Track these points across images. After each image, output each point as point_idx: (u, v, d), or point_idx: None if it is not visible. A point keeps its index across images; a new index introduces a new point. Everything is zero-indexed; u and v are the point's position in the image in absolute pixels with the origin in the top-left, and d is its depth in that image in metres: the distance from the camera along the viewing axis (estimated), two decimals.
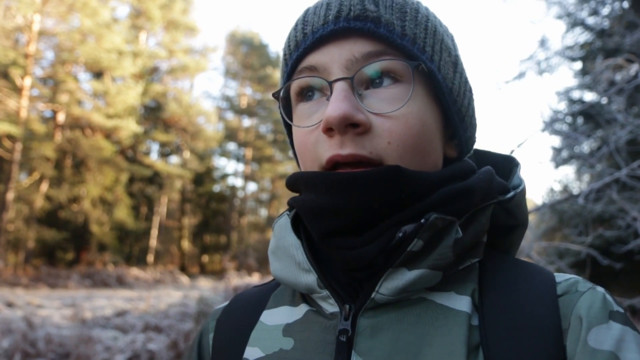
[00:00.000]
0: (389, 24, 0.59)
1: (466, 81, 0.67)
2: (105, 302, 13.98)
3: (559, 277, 0.59)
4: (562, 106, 10.52)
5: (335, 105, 0.55)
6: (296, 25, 0.64)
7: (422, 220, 0.54)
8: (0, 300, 12.68)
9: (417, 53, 0.59)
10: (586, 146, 9.55)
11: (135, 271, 23.56)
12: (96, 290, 18.35)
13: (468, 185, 0.58)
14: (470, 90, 0.68)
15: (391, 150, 0.56)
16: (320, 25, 0.60)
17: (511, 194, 0.63)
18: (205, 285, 22.90)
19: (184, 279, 25.08)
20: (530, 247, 5.25)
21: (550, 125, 4.68)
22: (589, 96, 10.11)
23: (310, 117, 0.61)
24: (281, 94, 0.65)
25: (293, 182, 0.63)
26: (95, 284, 19.74)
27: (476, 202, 0.59)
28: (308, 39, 0.60)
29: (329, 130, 0.56)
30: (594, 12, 10.03)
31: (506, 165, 0.71)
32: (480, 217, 0.60)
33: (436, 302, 0.56)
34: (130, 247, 28.78)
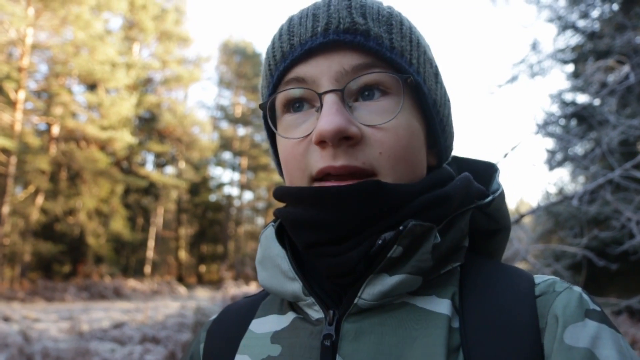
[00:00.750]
0: (377, 37, 0.60)
1: (445, 92, 0.70)
2: (102, 314, 13.89)
3: (538, 278, 0.60)
4: (555, 109, 10.58)
5: (329, 118, 0.56)
6: (280, 35, 0.64)
7: (401, 228, 0.56)
8: None
9: (405, 66, 0.61)
10: (580, 148, 9.60)
11: (132, 282, 23.45)
12: (93, 302, 18.24)
13: (446, 192, 0.60)
14: (449, 100, 0.70)
15: (382, 161, 0.58)
16: (308, 37, 0.60)
17: (489, 198, 0.65)
18: (202, 295, 22.80)
19: (182, 289, 24.96)
20: (527, 250, 5.25)
21: (543, 128, 4.71)
22: (582, 98, 10.17)
23: (297, 128, 0.61)
24: (268, 104, 0.65)
25: (280, 195, 0.65)
26: (92, 297, 19.61)
27: (454, 207, 0.61)
28: (296, 51, 0.60)
29: (322, 142, 0.57)
30: (584, 15, 10.12)
31: (486, 172, 0.72)
32: (459, 222, 0.62)
33: (417, 306, 0.58)
34: (127, 258, 28.63)
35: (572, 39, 10.64)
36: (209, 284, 31.08)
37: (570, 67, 11.16)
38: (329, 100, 0.58)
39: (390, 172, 0.58)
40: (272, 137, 0.71)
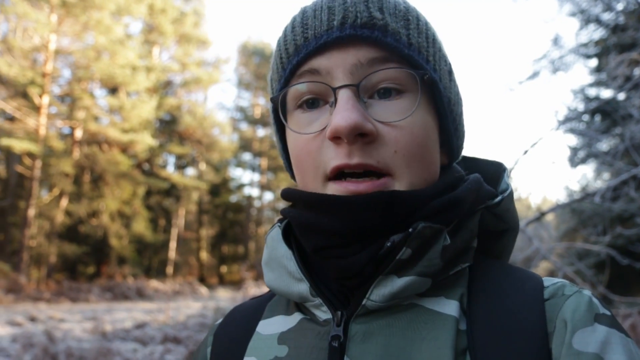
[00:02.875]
0: (395, 33, 0.58)
1: (458, 90, 0.69)
2: (125, 314, 14.09)
3: (547, 281, 0.59)
4: (578, 104, 10.38)
5: (345, 114, 0.55)
6: (293, 27, 0.62)
7: (410, 230, 0.55)
8: (23, 315, 12.86)
9: (422, 63, 0.60)
10: (605, 144, 9.38)
11: (154, 283, 23.75)
12: (116, 303, 18.53)
13: (457, 195, 0.59)
14: (461, 99, 0.69)
15: (398, 159, 0.57)
16: (324, 30, 0.58)
17: (498, 198, 0.64)
18: (223, 295, 22.97)
19: (203, 290, 25.19)
20: (549, 249, 5.14)
21: (563, 124, 4.60)
22: (606, 93, 9.95)
23: (311, 124, 0.60)
24: (279, 98, 0.64)
25: (291, 198, 0.64)
26: (115, 297, 19.94)
27: (465, 210, 0.60)
28: (310, 44, 0.59)
29: (336, 138, 0.56)
30: (608, 8, 9.88)
31: (495, 171, 0.71)
32: (469, 224, 0.61)
33: (426, 307, 0.57)
34: (149, 259, 29.01)
35: (596, 32, 10.42)
36: (230, 284, 31.30)
37: (594, 62, 10.94)
38: (344, 95, 0.57)
39: (405, 170, 0.57)
40: (280, 132, 0.69)
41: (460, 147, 0.70)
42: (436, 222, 0.56)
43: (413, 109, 0.58)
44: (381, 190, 0.56)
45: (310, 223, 0.59)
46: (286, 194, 0.65)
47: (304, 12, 0.63)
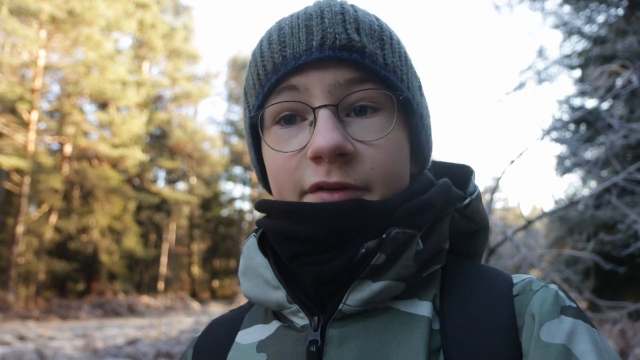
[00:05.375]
0: (372, 55, 0.60)
1: (427, 103, 0.72)
2: (116, 331, 13.93)
3: (516, 278, 0.62)
4: (563, 114, 10.54)
5: (327, 135, 0.56)
6: (270, 43, 0.63)
7: (384, 236, 0.57)
8: (12, 333, 12.67)
9: (397, 83, 0.62)
10: (590, 153, 9.54)
11: (146, 299, 23.50)
12: (107, 319, 18.30)
13: (426, 199, 0.62)
14: (429, 112, 0.72)
15: (374, 175, 0.59)
16: (302, 50, 0.60)
17: (467, 200, 0.67)
18: (216, 310, 22.79)
19: (195, 304, 24.98)
20: (538, 256, 5.21)
21: (548, 133, 4.71)
22: (590, 103, 10.13)
23: (289, 141, 0.62)
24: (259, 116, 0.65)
25: (265, 208, 0.66)
26: (106, 314, 19.69)
27: (435, 213, 0.63)
28: (289, 64, 0.60)
29: (317, 158, 0.58)
30: (590, 20, 10.11)
31: (462, 174, 0.74)
32: (440, 227, 0.64)
33: (400, 310, 0.59)
34: (140, 275, 28.73)
35: (578, 44, 10.62)
36: (223, 298, 31.06)
37: (577, 73, 11.14)
38: (324, 115, 0.58)
39: (380, 185, 0.60)
40: (255, 145, 0.71)
41: (429, 156, 0.73)
42: (408, 227, 0.59)
43: (390, 129, 0.60)
44: (351, 199, 0.58)
45: (286, 230, 0.60)
46: (260, 205, 0.67)
47: (280, 28, 0.63)
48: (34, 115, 20.27)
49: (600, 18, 9.36)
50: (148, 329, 14.35)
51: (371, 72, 0.61)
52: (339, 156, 0.58)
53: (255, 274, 0.65)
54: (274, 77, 0.62)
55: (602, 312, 5.98)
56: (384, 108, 0.62)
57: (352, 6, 0.64)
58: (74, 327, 15.32)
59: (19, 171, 19.91)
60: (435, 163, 0.78)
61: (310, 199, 0.60)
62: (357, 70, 0.60)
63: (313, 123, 0.60)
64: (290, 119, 0.62)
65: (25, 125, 20.26)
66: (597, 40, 9.25)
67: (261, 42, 0.66)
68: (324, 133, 0.57)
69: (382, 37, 0.63)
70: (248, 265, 0.67)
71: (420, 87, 0.70)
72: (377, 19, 0.65)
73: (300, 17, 0.62)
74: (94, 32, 20.42)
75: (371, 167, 0.59)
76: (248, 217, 37.38)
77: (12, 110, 20.32)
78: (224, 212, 35.98)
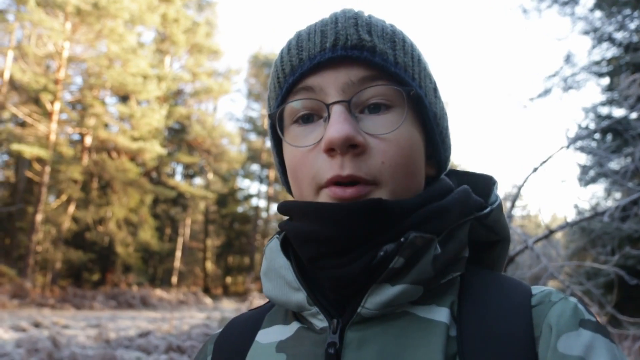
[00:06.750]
0: (383, 53, 0.63)
1: (443, 106, 0.73)
2: (129, 322, 14.07)
3: (535, 289, 0.62)
4: (589, 122, 10.32)
5: (338, 127, 0.59)
6: (289, 50, 0.67)
7: (402, 239, 0.58)
8: (28, 320, 12.87)
9: (408, 80, 0.64)
10: (615, 164, 9.31)
11: (159, 292, 23.72)
12: (121, 311, 18.52)
13: (444, 204, 0.62)
14: (446, 114, 0.74)
15: (384, 170, 0.61)
16: (317, 52, 0.63)
17: (487, 209, 0.67)
18: (228, 306, 22.89)
19: (207, 300, 25.13)
20: (558, 267, 5.08)
21: (574, 142, 4.58)
22: (618, 112, 9.90)
23: (306, 137, 0.64)
24: (277, 114, 0.68)
25: (285, 210, 0.68)
26: (119, 305, 19.92)
27: (453, 219, 0.63)
28: (305, 65, 0.64)
29: (330, 150, 0.60)
30: (621, 27, 9.87)
31: (485, 184, 0.74)
32: (458, 234, 0.64)
33: (418, 315, 0.60)
34: (154, 268, 29.03)
35: (608, 51, 10.39)
36: (235, 295, 31.20)
37: (606, 80, 10.89)
38: (337, 110, 0.61)
39: (390, 181, 0.61)
40: (277, 147, 0.74)
41: (447, 159, 0.74)
42: (426, 231, 0.59)
43: (400, 123, 0.62)
44: (368, 198, 0.59)
45: (302, 232, 0.62)
46: (282, 208, 0.68)
47: (298, 35, 0.67)
48: (57, 106, 20.59)
49: (633, 25, 9.12)
50: (160, 322, 14.47)
51: (382, 70, 0.63)
52: (350, 147, 0.60)
53: (277, 275, 0.66)
54: (291, 79, 0.65)
55: (623, 328, 5.82)
56: (396, 105, 0.63)
57: (368, 14, 0.67)
58: (88, 316, 15.52)
59: (40, 160, 20.25)
60: (458, 173, 0.79)
61: (324, 193, 0.62)
62: (369, 69, 0.63)
63: (327, 119, 0.62)
64: (307, 118, 0.65)
65: (47, 115, 20.60)
66: (628, 48, 9.01)
67: (282, 50, 0.69)
68: (335, 125, 0.59)
69: (394, 39, 0.66)
70: (270, 266, 0.68)
71: (435, 89, 0.71)
72: (391, 25, 0.68)
73: (317, 25, 0.66)
74: (118, 25, 20.68)
75: (382, 161, 0.61)
76: (264, 214, 37.53)
77: (36, 101, 20.70)
78: (240, 209, 36.17)
